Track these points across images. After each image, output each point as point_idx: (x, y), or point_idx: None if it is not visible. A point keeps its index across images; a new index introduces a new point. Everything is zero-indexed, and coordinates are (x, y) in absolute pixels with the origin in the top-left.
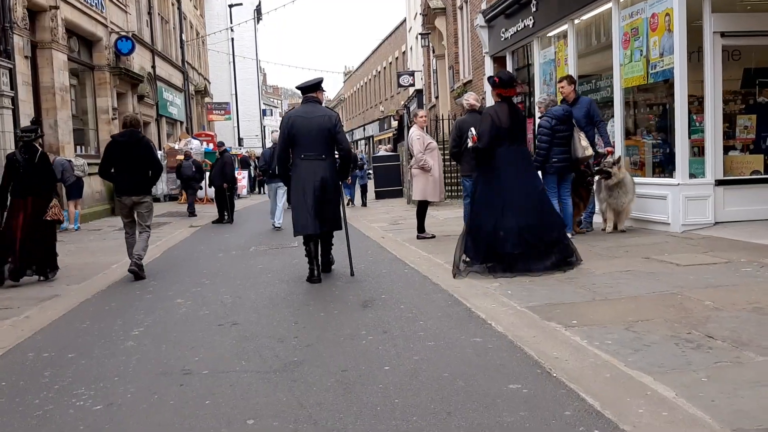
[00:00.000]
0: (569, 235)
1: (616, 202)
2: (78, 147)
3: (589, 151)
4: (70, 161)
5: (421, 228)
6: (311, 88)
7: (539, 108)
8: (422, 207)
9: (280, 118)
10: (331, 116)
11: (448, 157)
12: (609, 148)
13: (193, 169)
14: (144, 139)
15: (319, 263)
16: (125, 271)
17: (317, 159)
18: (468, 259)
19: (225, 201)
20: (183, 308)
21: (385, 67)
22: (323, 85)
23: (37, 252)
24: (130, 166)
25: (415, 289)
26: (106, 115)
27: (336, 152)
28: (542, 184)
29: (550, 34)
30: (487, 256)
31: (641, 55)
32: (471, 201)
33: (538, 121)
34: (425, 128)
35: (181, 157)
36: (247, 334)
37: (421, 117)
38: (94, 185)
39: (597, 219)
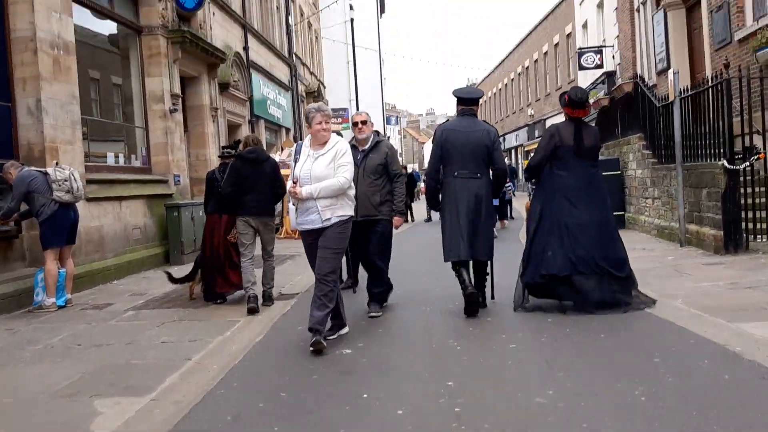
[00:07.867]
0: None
1: None
2: (116, 155)
3: None
4: (46, 174)
5: None
6: (472, 101)
7: None
8: None
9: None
10: (490, 131)
11: None
12: None
13: None
14: (271, 158)
15: (475, 287)
16: None
17: (472, 177)
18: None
19: None
20: None
21: (536, 60)
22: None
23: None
24: (259, 186)
25: None
26: (160, 105)
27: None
28: (612, 218)
29: None
30: (533, 276)
31: None
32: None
33: None
34: None
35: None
36: None
37: None
38: (133, 216)
39: None
